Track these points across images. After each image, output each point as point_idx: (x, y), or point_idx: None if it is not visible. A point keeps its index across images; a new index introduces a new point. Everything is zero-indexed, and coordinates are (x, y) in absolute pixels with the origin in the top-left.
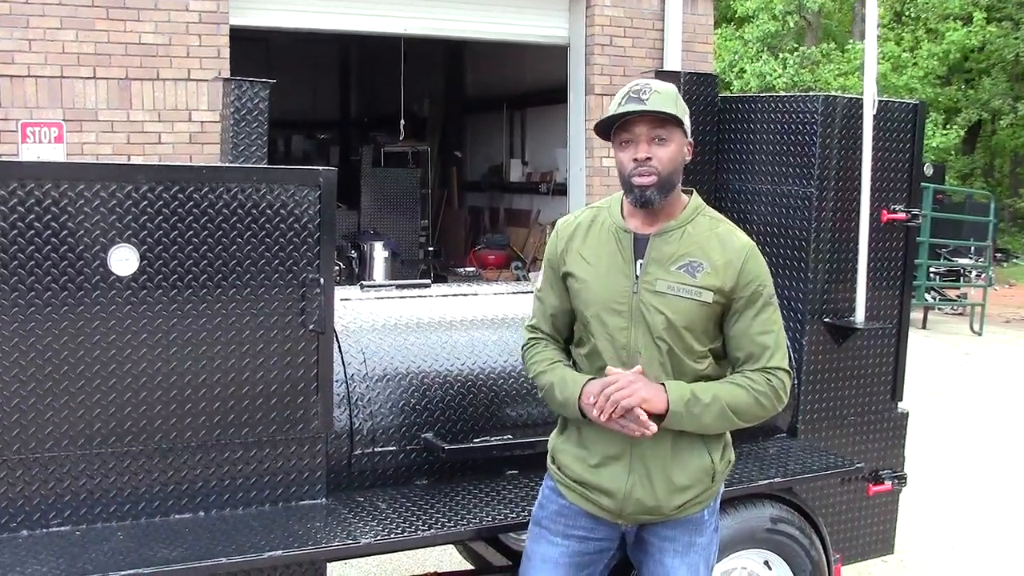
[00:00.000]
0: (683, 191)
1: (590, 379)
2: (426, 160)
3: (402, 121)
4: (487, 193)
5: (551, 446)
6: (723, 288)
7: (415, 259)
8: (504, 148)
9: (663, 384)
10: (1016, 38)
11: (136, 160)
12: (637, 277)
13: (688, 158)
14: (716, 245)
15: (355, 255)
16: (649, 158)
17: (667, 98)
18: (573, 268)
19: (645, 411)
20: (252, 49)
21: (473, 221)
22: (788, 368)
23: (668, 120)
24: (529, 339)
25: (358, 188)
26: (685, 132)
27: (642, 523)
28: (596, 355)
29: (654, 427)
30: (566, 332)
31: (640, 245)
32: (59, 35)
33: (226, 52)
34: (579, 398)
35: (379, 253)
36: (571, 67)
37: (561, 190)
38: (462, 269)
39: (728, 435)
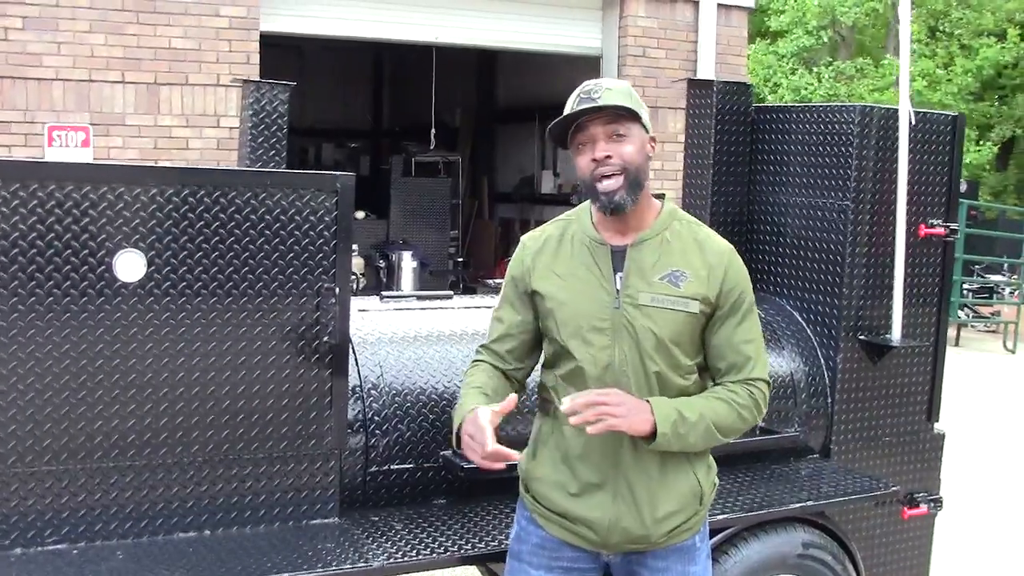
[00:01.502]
0: (654, 196)
1: (475, 408)
2: (457, 170)
3: (432, 130)
4: (518, 204)
5: (523, 473)
6: (708, 296)
7: (444, 270)
8: (536, 159)
9: (648, 402)
10: None
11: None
12: (618, 291)
13: (652, 155)
14: (696, 251)
15: (383, 265)
16: (608, 156)
17: (621, 94)
18: (543, 286)
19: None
20: (285, 56)
21: (504, 232)
22: (767, 378)
23: (624, 116)
24: (472, 361)
25: (388, 197)
26: (645, 127)
27: (628, 552)
28: (578, 376)
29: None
30: (520, 352)
31: (617, 257)
32: (88, 39)
33: (256, 58)
34: (459, 428)
35: (407, 263)
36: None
37: None
38: (491, 281)
39: (711, 457)
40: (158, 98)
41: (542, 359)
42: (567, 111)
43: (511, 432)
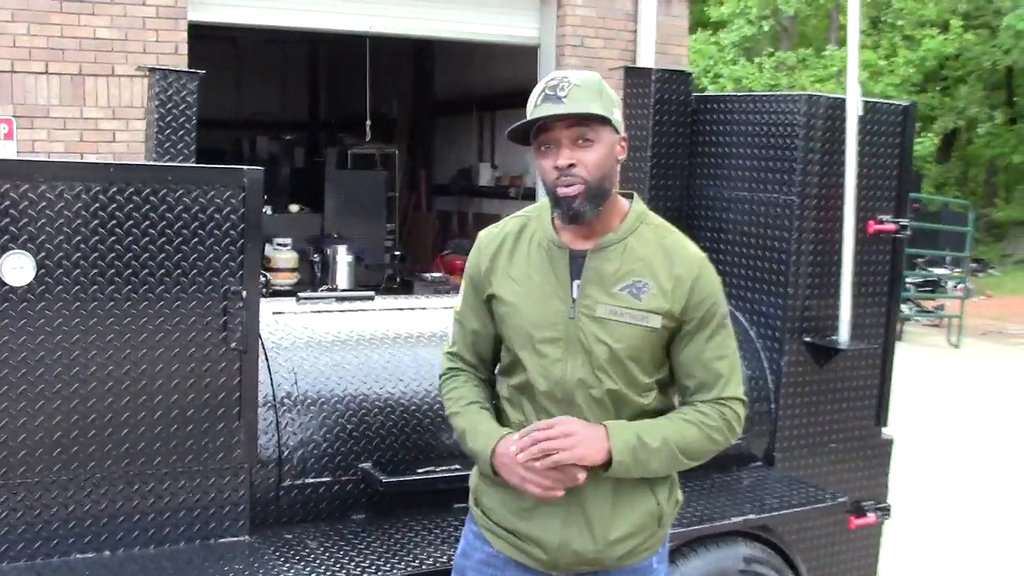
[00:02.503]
0: (622, 194)
1: (506, 434)
2: (394, 162)
3: (367, 122)
4: (456, 197)
5: (473, 486)
6: (672, 311)
7: (381, 263)
8: (474, 151)
9: (604, 427)
10: (993, 46)
11: (90, 159)
12: (574, 300)
13: (622, 157)
14: (663, 260)
15: (318, 259)
16: (572, 164)
17: (588, 92)
18: (499, 290)
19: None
20: (220, 48)
21: (441, 225)
22: (743, 397)
23: (592, 117)
24: (447, 369)
25: (322, 191)
26: (615, 128)
27: (580, 573)
28: (528, 388)
29: (583, 476)
30: (490, 358)
31: (576, 263)
32: (10, 28)
33: (184, 48)
34: (491, 455)
35: (343, 257)
36: (541, 68)
37: (531, 195)
38: (429, 275)
39: (675, 473)
40: (83, 89)
41: (499, 366)
42: (529, 108)
43: None
